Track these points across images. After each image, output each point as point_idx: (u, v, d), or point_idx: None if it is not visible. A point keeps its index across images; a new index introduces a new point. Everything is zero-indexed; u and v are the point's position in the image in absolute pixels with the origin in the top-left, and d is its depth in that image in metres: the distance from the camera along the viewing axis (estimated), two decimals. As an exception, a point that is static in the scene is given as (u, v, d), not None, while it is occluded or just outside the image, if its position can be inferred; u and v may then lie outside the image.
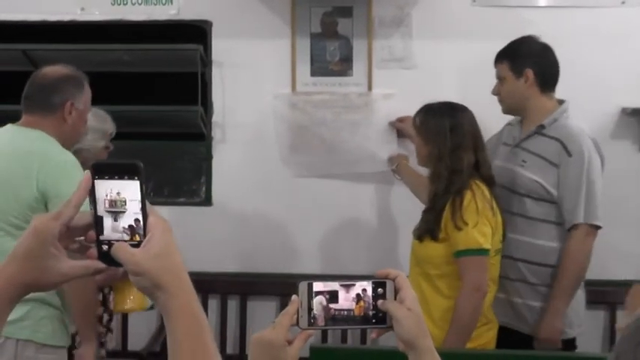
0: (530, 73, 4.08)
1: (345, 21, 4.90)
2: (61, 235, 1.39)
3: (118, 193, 1.37)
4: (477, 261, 3.81)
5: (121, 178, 1.37)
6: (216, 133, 5.03)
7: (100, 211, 1.38)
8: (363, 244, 4.88)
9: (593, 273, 4.15)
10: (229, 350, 5.12)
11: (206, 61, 4.93)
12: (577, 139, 4.02)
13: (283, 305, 5.23)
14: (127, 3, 4.98)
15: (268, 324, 1.74)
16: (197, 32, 4.95)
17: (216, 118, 5.01)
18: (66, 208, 1.40)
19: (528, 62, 4.10)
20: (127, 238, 1.38)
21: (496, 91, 4.21)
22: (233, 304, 5.13)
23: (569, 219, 4.01)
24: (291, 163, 4.94)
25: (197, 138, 5.03)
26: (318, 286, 1.71)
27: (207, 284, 4.93)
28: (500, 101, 4.21)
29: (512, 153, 4.19)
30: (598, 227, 4.04)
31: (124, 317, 5.05)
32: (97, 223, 1.39)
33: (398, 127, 4.84)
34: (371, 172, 4.95)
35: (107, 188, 1.38)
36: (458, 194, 3.84)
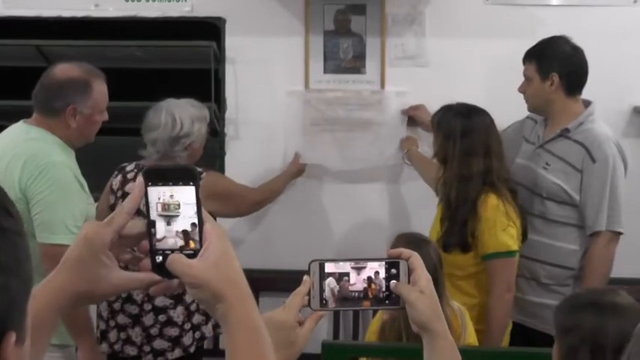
0: (556, 77, 4.07)
1: (358, 18, 4.90)
2: (113, 244, 1.34)
3: (172, 196, 1.32)
4: (506, 263, 3.90)
5: (175, 184, 1.32)
6: (229, 129, 5.04)
7: (153, 215, 1.32)
8: (377, 241, 4.88)
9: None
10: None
11: (219, 58, 4.94)
12: (602, 146, 4.02)
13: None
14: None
15: (279, 305, 1.73)
16: (210, 29, 4.96)
17: (229, 114, 5.02)
18: (118, 215, 1.35)
19: (555, 66, 4.08)
20: (180, 243, 1.32)
21: (522, 89, 4.20)
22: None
23: (592, 225, 4.02)
24: (303, 160, 4.94)
25: (210, 134, 5.03)
26: (329, 267, 1.69)
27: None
28: (526, 100, 4.21)
29: (535, 154, 4.19)
30: (620, 233, 4.05)
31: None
32: (151, 231, 1.33)
33: (411, 114, 4.84)
34: (383, 170, 4.96)
35: (160, 192, 1.32)
36: (477, 200, 3.89)
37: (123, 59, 5.10)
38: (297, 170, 4.85)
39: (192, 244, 1.32)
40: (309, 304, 1.69)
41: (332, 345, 3.81)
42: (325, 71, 4.92)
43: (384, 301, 1.69)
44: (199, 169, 4.06)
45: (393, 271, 1.68)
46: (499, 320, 3.91)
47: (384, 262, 1.69)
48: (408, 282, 1.68)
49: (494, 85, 4.65)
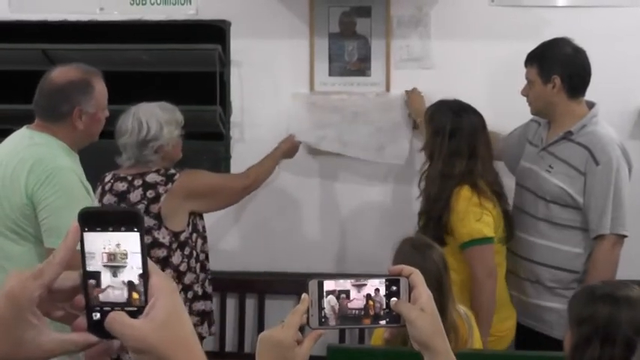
0: (557, 80, 4.05)
1: (363, 21, 4.90)
2: (42, 300, 1.13)
3: (118, 245, 1.14)
4: (483, 249, 3.99)
5: (116, 229, 1.14)
6: (234, 132, 5.04)
7: (93, 265, 1.14)
8: (383, 243, 4.87)
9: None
10: (247, 349, 5.13)
11: (224, 61, 4.94)
12: (605, 148, 4.00)
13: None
14: (145, 3, 4.99)
15: (277, 323, 1.71)
16: (215, 32, 4.96)
17: (234, 117, 5.03)
18: (48, 265, 1.14)
19: (556, 68, 4.06)
20: (125, 297, 1.14)
21: (525, 93, 4.19)
22: (251, 303, 5.15)
23: (596, 229, 4.00)
24: (308, 162, 4.93)
25: (215, 137, 5.04)
26: (329, 284, 1.65)
27: (225, 283, 4.95)
28: (529, 103, 4.20)
29: (539, 156, 4.17)
30: (624, 236, 4.03)
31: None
32: (87, 283, 1.14)
33: (406, 98, 4.84)
34: (389, 172, 4.95)
35: (105, 240, 1.14)
36: (452, 195, 3.99)
37: (128, 63, 5.09)
38: (290, 147, 4.71)
39: (135, 300, 1.14)
40: (307, 323, 1.66)
41: (338, 349, 3.81)
42: (330, 74, 4.92)
43: (384, 318, 1.66)
44: (172, 171, 4.07)
45: (394, 288, 1.66)
46: (483, 307, 3.94)
47: (384, 280, 1.66)
48: (409, 299, 1.66)
49: (501, 86, 4.63)
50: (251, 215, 5.02)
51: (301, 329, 1.69)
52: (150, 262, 1.15)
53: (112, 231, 1.14)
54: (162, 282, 1.15)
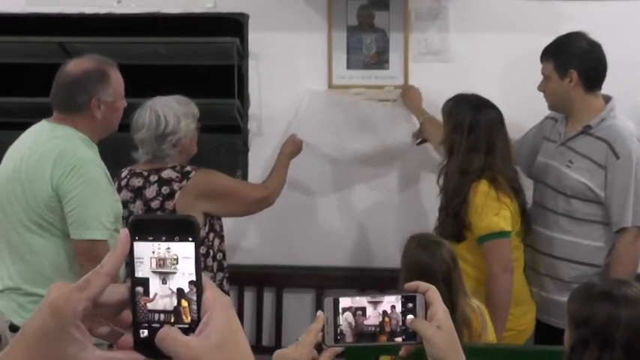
0: (574, 74, 4.04)
1: (381, 14, 4.88)
2: (87, 314, 1.04)
3: (168, 249, 1.06)
4: (500, 243, 3.98)
5: (169, 239, 1.06)
6: (252, 125, 5.04)
7: (142, 272, 1.06)
8: (400, 238, 4.87)
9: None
10: (265, 342, 5.13)
11: (242, 54, 4.93)
12: (625, 142, 3.99)
13: (318, 298, 5.24)
14: (163, -5, 4.99)
15: (293, 341, 1.71)
16: (233, 25, 4.95)
17: (252, 110, 5.02)
18: (95, 276, 1.05)
19: (573, 62, 4.04)
20: (174, 305, 1.06)
21: (542, 88, 4.18)
22: (269, 297, 5.15)
23: (617, 222, 4.00)
24: (327, 156, 4.93)
25: (233, 130, 5.03)
26: (345, 301, 1.65)
27: (243, 277, 4.95)
28: (546, 98, 4.19)
29: (558, 151, 4.16)
30: None
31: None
32: (135, 297, 1.06)
33: (403, 96, 4.82)
34: (406, 167, 4.94)
35: (154, 245, 1.06)
36: (470, 190, 3.99)
37: (146, 56, 5.09)
38: (294, 149, 4.62)
39: (186, 316, 1.06)
40: (323, 341, 1.67)
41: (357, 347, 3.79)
42: (348, 67, 4.91)
43: (400, 335, 1.66)
44: (189, 168, 4.05)
45: (410, 305, 1.66)
46: (501, 300, 3.94)
47: (400, 296, 1.66)
48: (425, 316, 1.67)
49: (519, 80, 4.60)
50: (268, 208, 5.01)
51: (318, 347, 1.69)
52: (204, 277, 1.07)
53: (165, 241, 1.06)
54: (217, 297, 1.07)
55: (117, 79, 3.71)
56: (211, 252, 4.12)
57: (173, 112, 4.07)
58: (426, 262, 3.43)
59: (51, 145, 3.58)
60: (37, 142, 3.63)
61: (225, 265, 4.22)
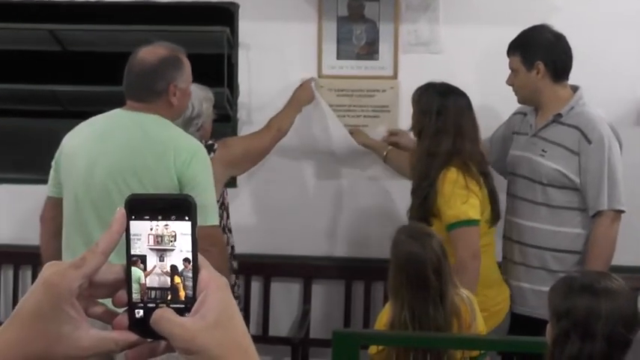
0: (541, 65, 4.11)
1: (371, 4, 4.89)
2: (82, 293, 1.03)
3: (166, 226, 1.06)
4: (468, 231, 4.00)
5: (165, 218, 1.05)
6: (241, 114, 5.04)
7: (139, 250, 1.05)
8: (389, 228, 4.89)
9: (616, 259, 4.15)
10: (252, 331, 5.13)
11: (232, 43, 4.94)
12: (596, 126, 4.06)
13: (306, 287, 5.25)
14: (154, -16, 4.99)
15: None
16: (224, 14, 4.95)
17: (241, 99, 5.02)
18: (90, 254, 1.04)
19: (539, 54, 4.12)
20: (168, 283, 1.05)
21: (510, 82, 4.25)
22: (256, 286, 5.16)
23: (593, 206, 4.06)
24: (315, 145, 4.94)
25: (223, 119, 5.03)
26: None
27: (248, 266, 4.98)
28: (515, 92, 4.26)
29: (530, 142, 4.22)
30: (622, 212, 4.09)
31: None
32: (130, 277, 1.05)
33: (392, 142, 4.82)
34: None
35: (152, 224, 1.06)
36: (438, 176, 4.01)
37: (136, 44, 5.06)
38: (307, 94, 4.75)
39: (182, 294, 1.05)
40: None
41: (343, 333, 3.82)
42: (338, 57, 4.92)
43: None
44: (211, 141, 4.10)
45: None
46: (468, 287, 3.87)
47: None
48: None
49: (508, 72, 4.62)
50: (257, 197, 5.02)
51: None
52: (200, 256, 1.06)
53: (162, 219, 1.05)
54: (213, 276, 1.06)
55: (188, 66, 3.72)
56: (221, 224, 4.10)
57: (197, 97, 4.15)
58: (417, 253, 3.45)
59: (160, 135, 3.57)
60: (141, 129, 3.58)
61: (231, 241, 4.37)
